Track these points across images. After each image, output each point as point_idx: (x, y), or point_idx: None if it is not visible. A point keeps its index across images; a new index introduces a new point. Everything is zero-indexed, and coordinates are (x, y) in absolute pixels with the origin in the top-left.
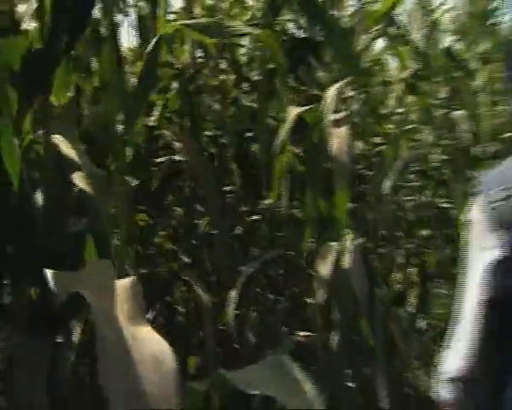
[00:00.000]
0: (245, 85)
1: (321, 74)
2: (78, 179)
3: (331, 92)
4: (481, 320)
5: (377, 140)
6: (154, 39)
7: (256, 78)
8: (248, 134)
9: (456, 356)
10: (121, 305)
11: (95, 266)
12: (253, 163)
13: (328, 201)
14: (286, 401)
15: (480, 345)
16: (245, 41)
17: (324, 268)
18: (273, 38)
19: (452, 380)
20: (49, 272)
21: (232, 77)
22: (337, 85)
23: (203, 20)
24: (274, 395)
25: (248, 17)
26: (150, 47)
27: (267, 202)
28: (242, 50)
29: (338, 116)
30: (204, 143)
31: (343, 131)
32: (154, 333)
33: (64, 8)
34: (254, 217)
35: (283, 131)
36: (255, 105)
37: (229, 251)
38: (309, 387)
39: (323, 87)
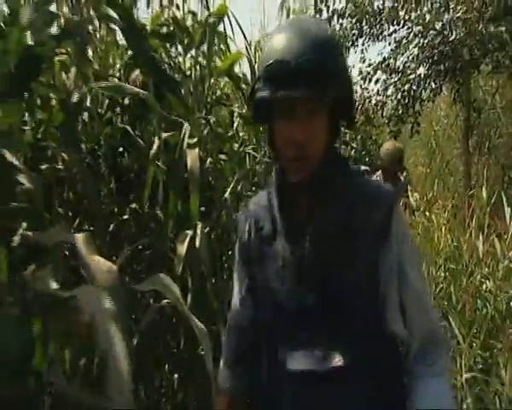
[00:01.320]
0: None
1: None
2: None
3: (186, 123)
4: (231, 343)
5: (223, 157)
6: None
7: (126, 102)
8: (120, 149)
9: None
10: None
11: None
12: (123, 173)
13: (185, 202)
14: (166, 293)
15: (230, 366)
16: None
17: (182, 249)
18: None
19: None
20: None
21: (107, 101)
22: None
23: (110, 83)
24: (160, 289)
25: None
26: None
27: (133, 205)
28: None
29: (191, 141)
30: (83, 154)
31: (195, 152)
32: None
33: None
34: (124, 216)
35: (153, 149)
36: (125, 125)
37: (105, 244)
38: (175, 288)
39: (184, 116)
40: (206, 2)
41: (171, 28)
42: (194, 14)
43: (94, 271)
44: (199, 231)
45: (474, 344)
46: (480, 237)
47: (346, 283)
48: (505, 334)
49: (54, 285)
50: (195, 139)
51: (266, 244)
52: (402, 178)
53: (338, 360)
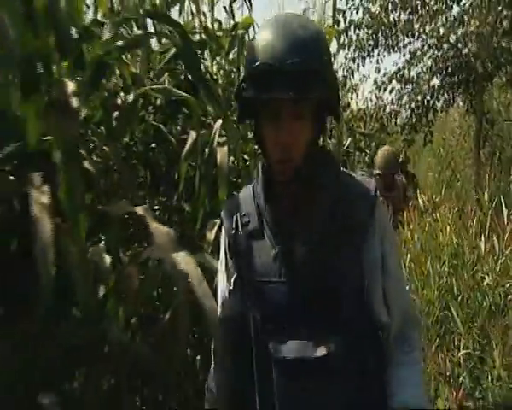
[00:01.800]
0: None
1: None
2: None
3: (217, 123)
4: (222, 338)
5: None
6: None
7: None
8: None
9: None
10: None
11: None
12: (155, 167)
13: (212, 197)
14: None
15: (222, 360)
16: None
17: (210, 235)
18: None
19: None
20: None
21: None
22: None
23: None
24: (203, 263)
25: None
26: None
27: (162, 198)
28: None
29: (221, 139)
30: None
31: (224, 149)
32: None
33: None
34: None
35: (187, 147)
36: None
37: None
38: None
39: (213, 117)
40: (231, 12)
41: (201, 36)
42: (220, 23)
43: (156, 236)
44: None
45: (474, 332)
46: (482, 237)
47: (335, 274)
48: (499, 322)
49: (108, 259)
50: (224, 138)
51: (253, 239)
52: (398, 180)
53: (329, 348)
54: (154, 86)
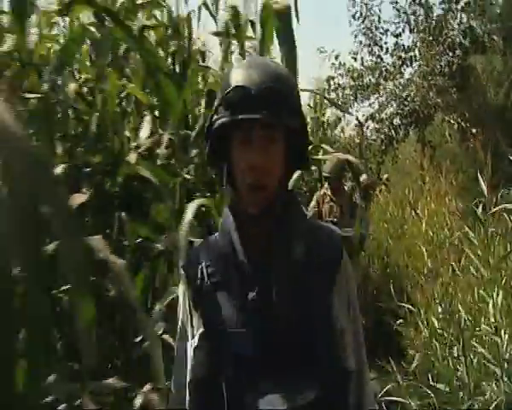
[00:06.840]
0: None
1: None
2: None
3: None
4: (193, 401)
5: None
6: None
7: None
8: None
9: None
10: None
11: None
12: None
13: None
14: None
15: None
16: None
17: None
18: None
19: None
20: None
21: None
22: None
23: None
24: None
25: None
26: None
27: None
28: None
29: None
30: None
31: None
32: None
33: None
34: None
35: None
36: None
37: None
38: None
39: None
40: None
41: None
42: None
43: None
44: None
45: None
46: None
47: (307, 326)
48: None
49: None
50: None
51: (220, 288)
52: (346, 187)
53: (306, 399)
54: None
